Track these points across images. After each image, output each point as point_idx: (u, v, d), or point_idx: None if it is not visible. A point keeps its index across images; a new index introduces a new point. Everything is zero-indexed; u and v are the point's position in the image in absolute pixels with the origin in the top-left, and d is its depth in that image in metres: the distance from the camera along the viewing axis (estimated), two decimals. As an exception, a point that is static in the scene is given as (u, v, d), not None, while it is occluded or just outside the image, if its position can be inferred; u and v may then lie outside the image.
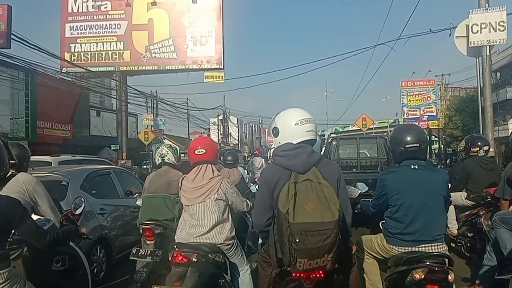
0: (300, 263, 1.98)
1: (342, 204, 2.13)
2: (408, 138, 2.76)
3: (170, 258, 2.89)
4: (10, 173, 2.77)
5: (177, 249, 2.85)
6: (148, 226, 3.75)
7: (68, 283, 2.73)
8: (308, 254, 1.97)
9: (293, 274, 2.10)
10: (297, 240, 1.95)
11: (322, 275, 2.08)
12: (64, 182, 4.63)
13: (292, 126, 2.32)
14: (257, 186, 4.00)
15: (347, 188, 2.50)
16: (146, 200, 4.08)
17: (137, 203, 4.61)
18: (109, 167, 6.59)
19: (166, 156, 4.28)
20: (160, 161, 4.32)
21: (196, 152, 3.11)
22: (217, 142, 45.44)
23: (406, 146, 2.74)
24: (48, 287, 2.49)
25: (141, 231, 3.84)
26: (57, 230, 2.39)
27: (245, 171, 8.50)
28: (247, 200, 3.41)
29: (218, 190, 3.04)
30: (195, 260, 2.79)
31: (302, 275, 2.08)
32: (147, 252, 3.59)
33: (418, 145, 2.75)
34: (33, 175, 3.92)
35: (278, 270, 2.17)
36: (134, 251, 3.67)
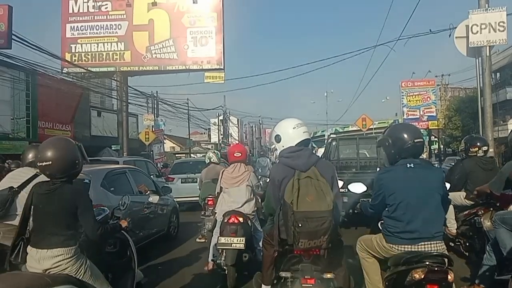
0: (302, 243, 2.47)
1: (336, 196, 2.63)
2: (414, 134, 2.81)
3: (226, 220, 4.43)
4: (34, 173, 3.27)
5: (229, 215, 4.44)
6: (210, 198, 5.95)
7: (118, 263, 3.16)
8: (309, 235, 2.46)
9: (295, 252, 2.63)
10: (300, 225, 2.43)
11: (318, 252, 2.60)
12: (87, 180, 4.97)
13: (291, 131, 2.87)
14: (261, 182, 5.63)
15: (351, 185, 3.20)
16: (205, 184, 6.52)
17: (149, 199, 5.38)
18: (124, 166, 7.00)
19: (212, 157, 6.95)
20: (208, 161, 7.00)
21: (234, 155, 4.83)
22: (218, 142, 45.43)
23: (415, 141, 2.76)
24: (102, 266, 2.84)
25: (205, 201, 6.19)
26: (107, 225, 2.91)
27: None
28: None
29: (248, 179, 4.68)
30: (242, 221, 4.42)
31: (302, 252, 2.62)
32: (212, 212, 5.29)
33: (422, 140, 2.83)
34: None
35: (281, 249, 2.70)
36: (202, 212, 6.29)
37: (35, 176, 3.26)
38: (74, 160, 2.67)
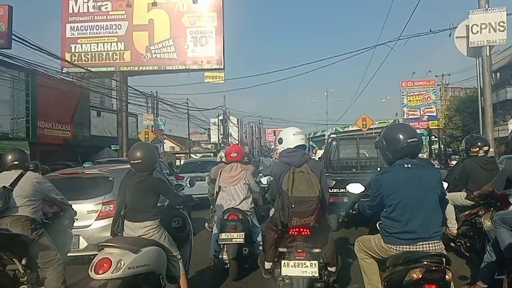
0: (294, 221, 3.17)
1: (323, 188, 3.34)
2: (408, 134, 2.78)
3: (226, 216, 4.67)
4: (19, 173, 3.71)
5: (229, 212, 4.72)
6: None
7: (180, 235, 3.99)
8: (300, 215, 3.14)
9: (290, 232, 3.33)
10: (293, 206, 3.13)
11: (308, 233, 3.28)
12: (111, 178, 5.57)
13: (291, 137, 3.60)
14: (263, 178, 6.23)
15: (350, 185, 3.60)
16: (214, 181, 6.51)
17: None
18: None
19: (223, 157, 6.90)
20: (219, 160, 7.82)
21: (231, 155, 5.10)
22: (218, 142, 45.44)
23: (408, 141, 2.74)
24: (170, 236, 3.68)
25: (214, 197, 6.06)
26: (184, 196, 4.27)
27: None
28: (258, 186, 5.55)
29: (244, 178, 4.94)
30: (241, 217, 4.68)
31: (295, 232, 3.29)
32: (211, 210, 6.02)
33: (417, 139, 2.81)
34: (86, 172, 5.87)
35: (279, 231, 3.44)
36: (211, 206, 6.43)
37: (21, 175, 3.71)
38: (155, 159, 3.64)
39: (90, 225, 5.20)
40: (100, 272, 2.92)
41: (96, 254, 3.15)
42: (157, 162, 3.70)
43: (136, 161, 3.48)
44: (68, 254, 4.66)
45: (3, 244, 3.38)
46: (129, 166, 4.57)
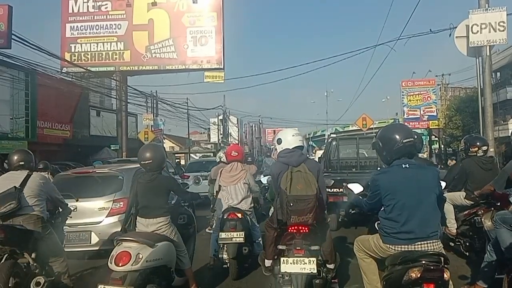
0: (293, 219, 3.26)
1: (320, 186, 3.46)
2: (403, 134, 2.79)
3: (226, 216, 4.70)
4: (26, 173, 3.89)
5: (229, 211, 4.74)
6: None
7: (186, 232, 4.24)
8: (298, 213, 3.23)
9: (289, 230, 3.41)
10: (291, 205, 3.22)
11: (307, 230, 3.37)
12: (120, 177, 5.86)
13: (290, 137, 3.70)
14: (262, 177, 6.40)
15: (348, 185, 3.64)
16: (214, 180, 6.55)
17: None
18: None
19: (222, 157, 7.41)
20: (219, 160, 8.03)
21: (231, 154, 5.17)
22: (218, 142, 45.44)
23: (404, 141, 2.75)
24: None
25: (214, 196, 6.09)
26: (191, 193, 4.50)
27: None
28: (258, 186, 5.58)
29: (245, 177, 4.98)
30: (241, 217, 4.70)
31: (294, 230, 3.38)
32: (211, 210, 5.95)
33: (413, 139, 2.81)
34: (97, 171, 6.16)
35: (279, 229, 3.54)
36: (211, 206, 6.17)
37: (29, 176, 3.88)
38: (164, 159, 3.88)
39: (101, 221, 5.46)
40: (120, 264, 3.11)
41: (105, 249, 3.37)
42: (165, 161, 3.91)
43: (146, 161, 3.70)
44: (80, 249, 5.28)
45: (18, 238, 3.56)
46: (137, 165, 4.80)
